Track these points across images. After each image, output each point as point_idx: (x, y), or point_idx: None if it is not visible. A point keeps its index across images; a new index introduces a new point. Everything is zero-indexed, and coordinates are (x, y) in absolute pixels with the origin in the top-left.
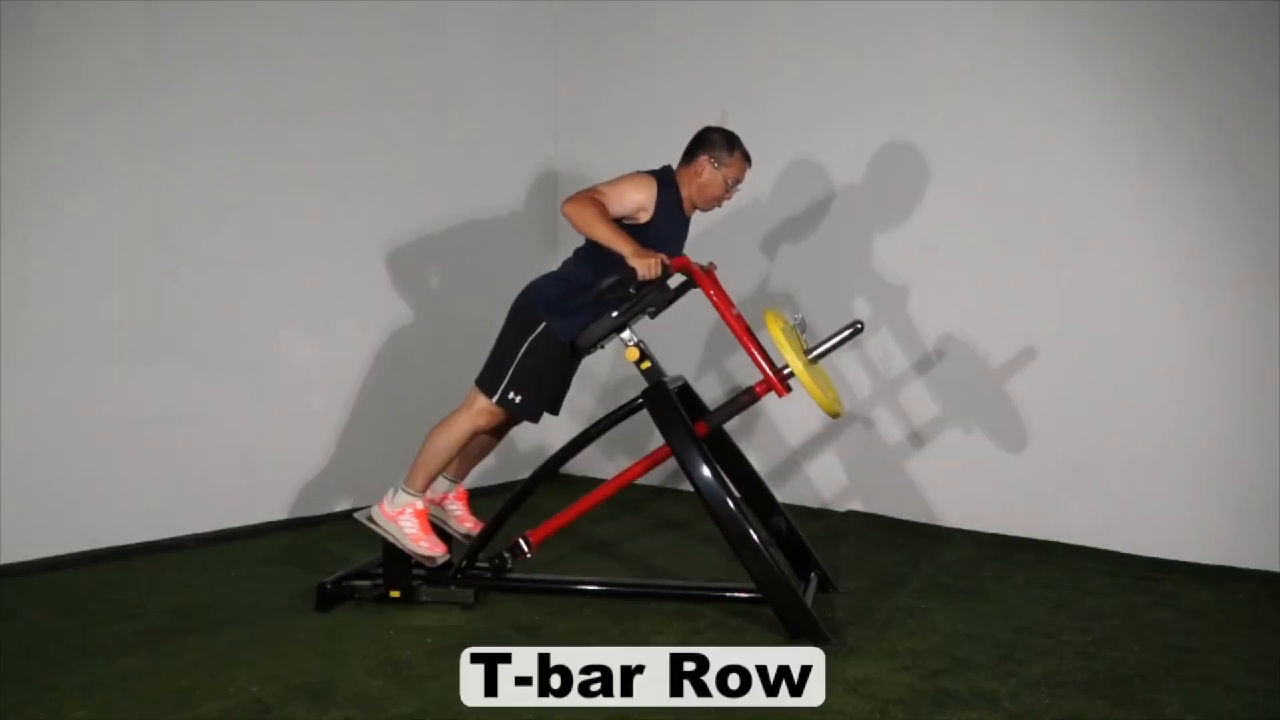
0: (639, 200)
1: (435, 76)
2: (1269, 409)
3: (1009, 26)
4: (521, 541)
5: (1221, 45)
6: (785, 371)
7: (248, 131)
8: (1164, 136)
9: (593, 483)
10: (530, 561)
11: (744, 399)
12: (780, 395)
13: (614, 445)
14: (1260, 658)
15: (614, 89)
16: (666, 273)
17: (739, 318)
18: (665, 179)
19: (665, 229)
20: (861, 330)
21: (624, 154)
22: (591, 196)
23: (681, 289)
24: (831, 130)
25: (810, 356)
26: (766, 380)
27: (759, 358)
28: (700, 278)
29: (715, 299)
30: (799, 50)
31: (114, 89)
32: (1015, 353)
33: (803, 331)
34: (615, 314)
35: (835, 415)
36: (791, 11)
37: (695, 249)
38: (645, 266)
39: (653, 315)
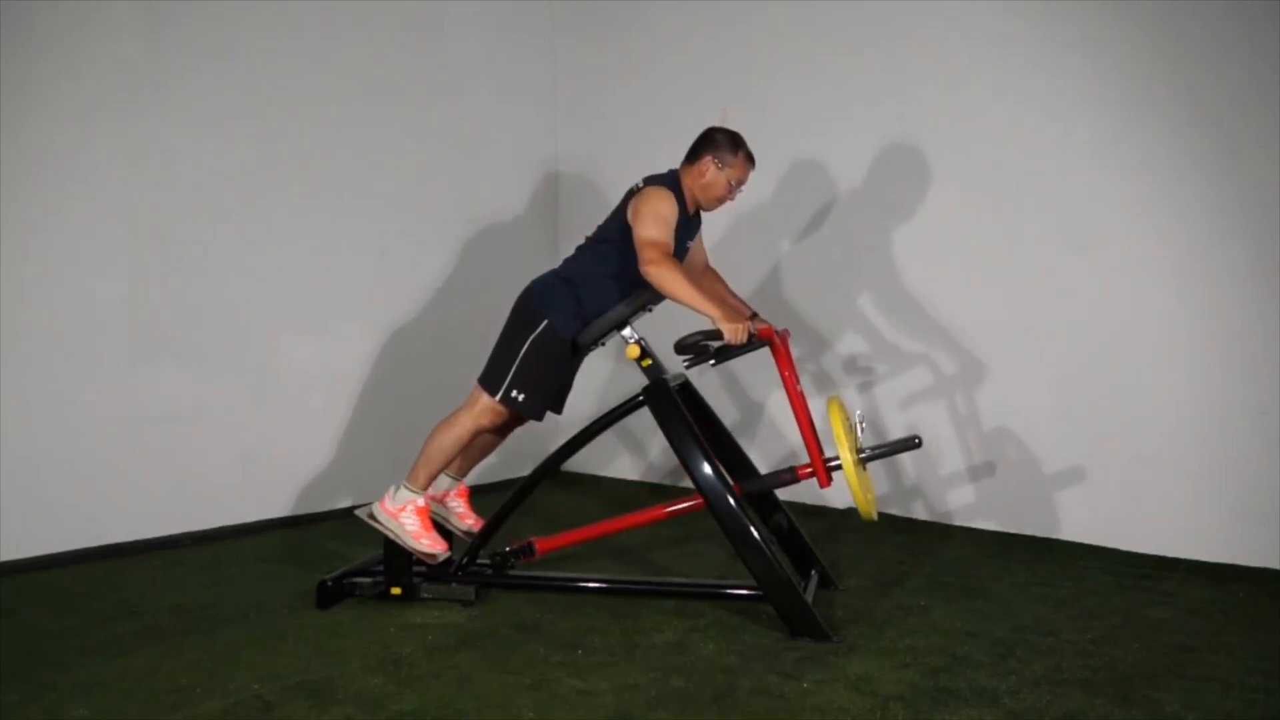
0: (675, 218)
1: (436, 77)
2: (1269, 408)
3: (1009, 26)
4: (530, 544)
5: (1221, 45)
6: (833, 463)
7: (247, 131)
8: (1165, 135)
9: (594, 480)
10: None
11: (784, 477)
12: (822, 486)
13: (615, 443)
14: (1260, 656)
15: (614, 89)
16: (751, 339)
17: (802, 396)
18: (674, 185)
19: (679, 231)
20: (919, 446)
21: (624, 153)
22: (665, 252)
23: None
24: (831, 130)
25: (861, 456)
26: (813, 465)
27: (811, 442)
28: (778, 350)
29: (785, 374)
30: (799, 50)
31: (114, 89)
32: (1015, 351)
33: (861, 431)
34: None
35: (870, 519)
36: (791, 11)
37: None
38: (733, 332)
39: (650, 310)
